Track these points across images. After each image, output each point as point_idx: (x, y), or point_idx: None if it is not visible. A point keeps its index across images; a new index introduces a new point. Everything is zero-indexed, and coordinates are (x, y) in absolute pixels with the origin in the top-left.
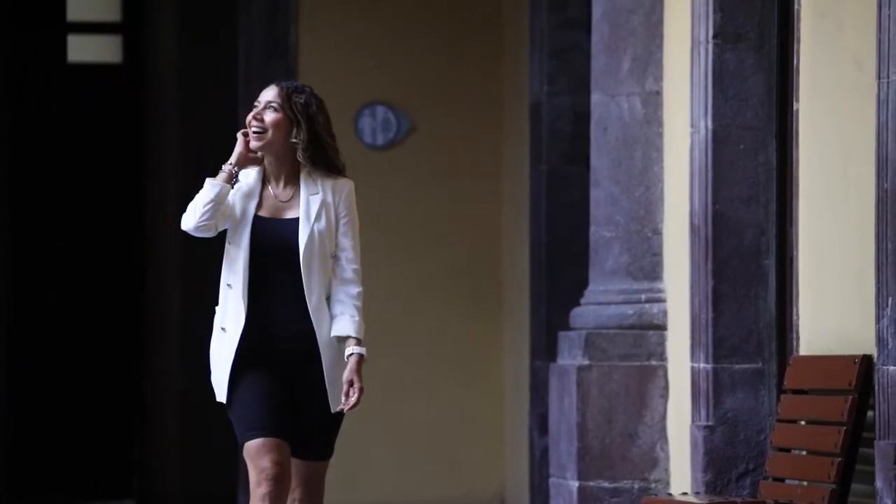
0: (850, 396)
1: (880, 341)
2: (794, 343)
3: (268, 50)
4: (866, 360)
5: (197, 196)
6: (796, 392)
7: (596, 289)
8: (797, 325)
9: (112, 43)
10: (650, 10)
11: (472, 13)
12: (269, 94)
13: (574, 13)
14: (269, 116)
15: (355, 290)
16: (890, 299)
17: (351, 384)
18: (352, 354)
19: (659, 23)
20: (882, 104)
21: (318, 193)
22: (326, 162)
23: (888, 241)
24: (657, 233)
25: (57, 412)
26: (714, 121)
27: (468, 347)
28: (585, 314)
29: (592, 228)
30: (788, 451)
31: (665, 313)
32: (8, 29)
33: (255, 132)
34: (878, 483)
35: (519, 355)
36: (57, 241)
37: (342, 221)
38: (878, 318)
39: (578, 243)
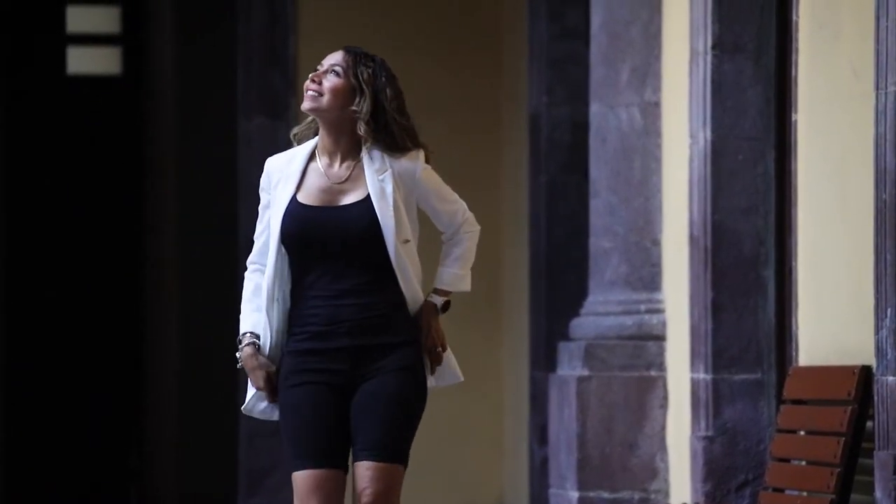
0: (850, 407)
1: (879, 352)
2: (794, 353)
3: (266, 60)
4: (865, 371)
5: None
6: (795, 402)
7: (595, 299)
8: (796, 336)
9: (111, 54)
10: (648, 20)
11: (470, 24)
12: (334, 57)
13: (572, 24)
14: (329, 81)
15: (464, 241)
16: (889, 310)
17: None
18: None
19: (657, 33)
20: (880, 115)
21: (387, 170)
22: (389, 141)
23: (887, 252)
24: (656, 243)
25: (54, 421)
26: (713, 131)
27: (467, 357)
28: (585, 325)
29: (591, 239)
30: (788, 461)
31: (664, 324)
32: (7, 40)
33: (309, 95)
34: (878, 493)
35: (518, 366)
36: (54, 253)
37: (428, 194)
38: (877, 329)
39: (577, 253)
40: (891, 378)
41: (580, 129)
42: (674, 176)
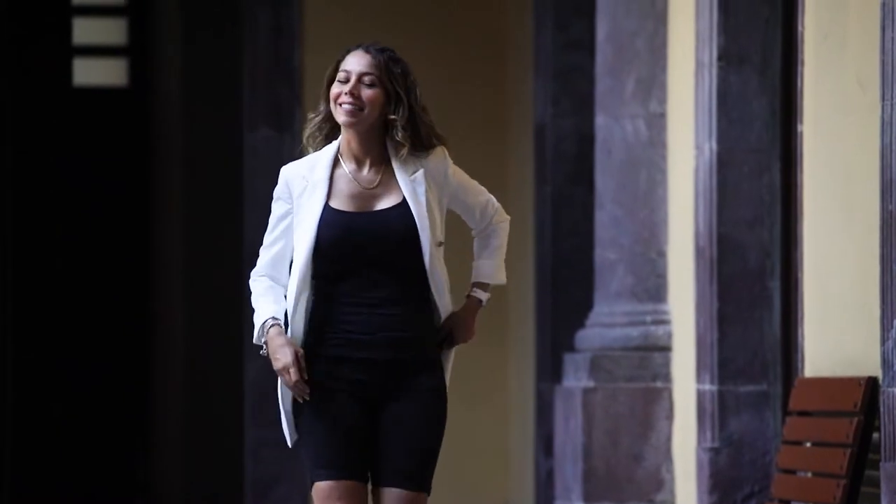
0: (856, 418)
1: (885, 363)
2: (799, 365)
3: (272, 71)
4: (871, 382)
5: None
6: (801, 414)
7: (601, 310)
8: (802, 347)
9: (118, 66)
10: (654, 32)
11: (476, 34)
12: (362, 63)
13: (578, 35)
14: (367, 92)
15: (499, 232)
16: (895, 321)
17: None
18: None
19: (663, 45)
20: (886, 126)
21: (418, 172)
22: (417, 140)
23: (893, 263)
24: (662, 255)
25: (61, 431)
26: (718, 143)
27: (472, 369)
28: (590, 336)
29: (597, 250)
30: (794, 473)
31: (670, 335)
32: (13, 51)
33: (348, 109)
34: None
35: (524, 377)
36: (61, 263)
37: (458, 191)
38: (883, 340)
39: (583, 265)
40: None
41: (585, 140)
42: (679, 187)
